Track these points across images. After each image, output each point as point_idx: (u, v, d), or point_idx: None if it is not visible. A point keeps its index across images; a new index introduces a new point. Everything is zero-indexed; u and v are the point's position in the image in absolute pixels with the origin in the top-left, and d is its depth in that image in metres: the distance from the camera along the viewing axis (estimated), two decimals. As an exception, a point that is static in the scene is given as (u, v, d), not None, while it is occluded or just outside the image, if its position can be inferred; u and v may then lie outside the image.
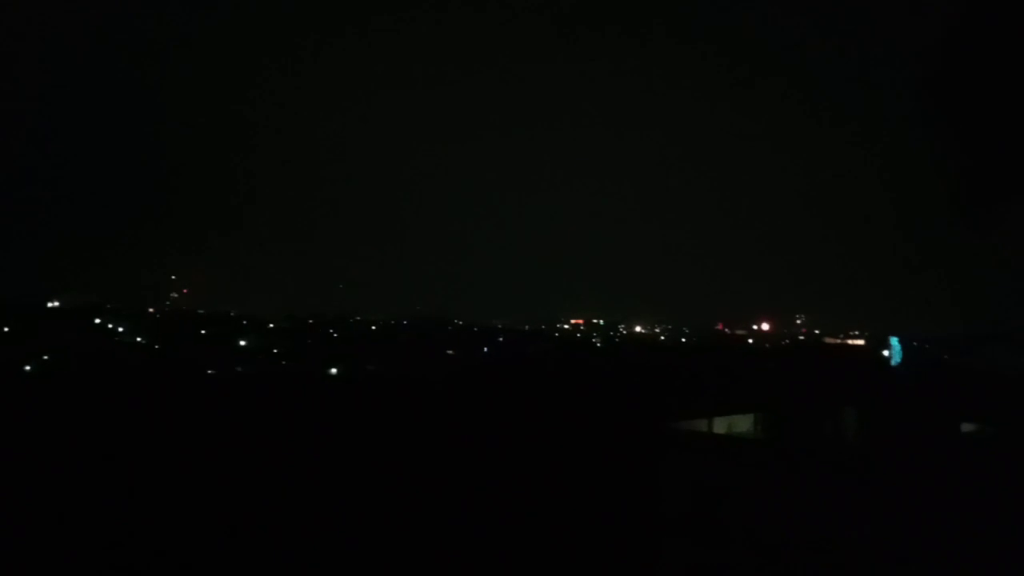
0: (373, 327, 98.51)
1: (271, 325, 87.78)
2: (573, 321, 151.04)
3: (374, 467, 10.68)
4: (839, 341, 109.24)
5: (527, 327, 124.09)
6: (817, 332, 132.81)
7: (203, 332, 69.42)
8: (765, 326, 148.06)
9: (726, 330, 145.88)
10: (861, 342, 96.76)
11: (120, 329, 66.64)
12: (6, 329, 56.92)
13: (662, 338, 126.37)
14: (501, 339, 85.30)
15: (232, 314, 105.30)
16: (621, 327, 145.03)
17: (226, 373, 39.17)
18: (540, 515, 8.69)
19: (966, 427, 16.99)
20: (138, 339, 61.92)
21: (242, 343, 62.96)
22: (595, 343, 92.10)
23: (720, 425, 16.34)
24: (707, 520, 8.93)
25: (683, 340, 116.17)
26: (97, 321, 70.17)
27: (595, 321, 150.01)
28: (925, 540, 7.65)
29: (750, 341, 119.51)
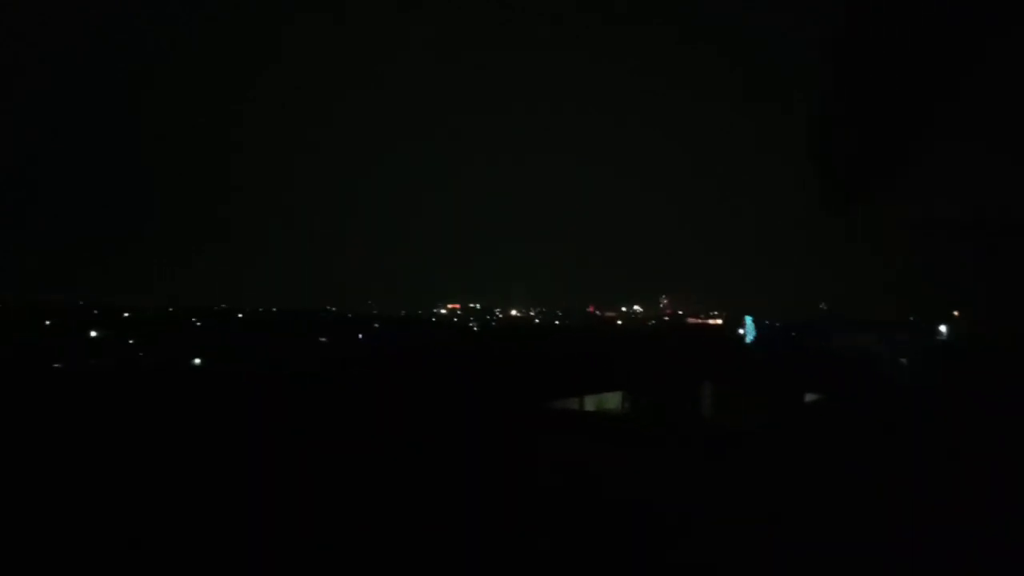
0: (240, 315, 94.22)
1: (126, 315, 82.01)
2: (449, 306, 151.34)
3: (234, 460, 10.26)
4: (700, 321, 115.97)
5: (403, 313, 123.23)
6: (680, 313, 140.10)
7: (47, 323, 63.80)
8: (636, 308, 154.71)
9: (597, 312, 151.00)
10: (720, 322, 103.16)
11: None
12: None
13: (536, 321, 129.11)
14: (376, 325, 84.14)
15: (81, 303, 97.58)
16: (497, 311, 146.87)
17: (71, 366, 36.22)
18: (412, 498, 8.67)
19: (809, 397, 18.59)
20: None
21: (93, 334, 58.44)
22: (472, 327, 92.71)
23: (591, 403, 17.00)
24: (577, 495, 9.23)
25: (556, 323, 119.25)
26: None
27: (471, 306, 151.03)
28: (779, 504, 8.27)
29: (619, 323, 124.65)
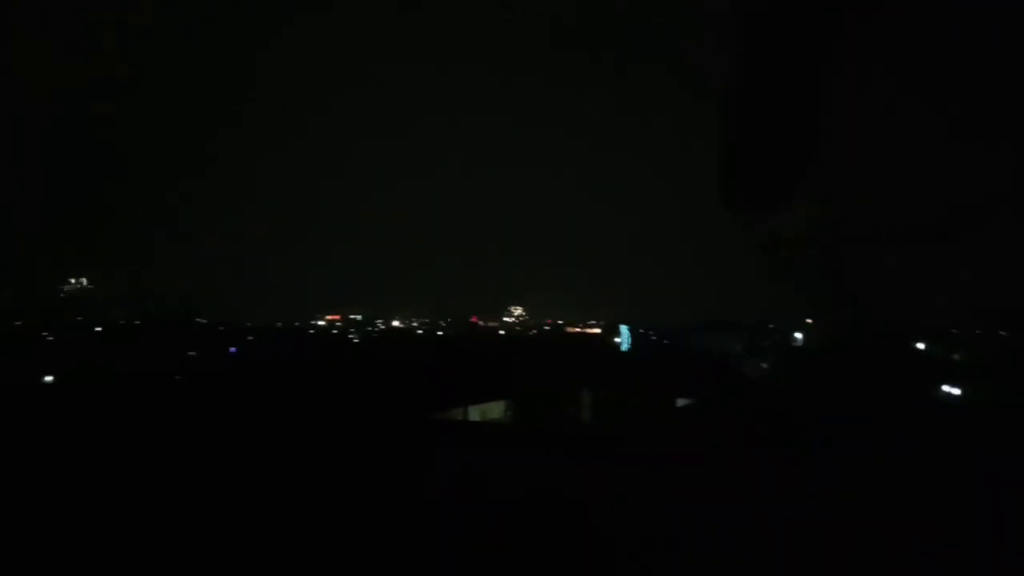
0: (98, 328, 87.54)
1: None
2: (329, 317, 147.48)
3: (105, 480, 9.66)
4: (579, 329, 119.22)
5: (278, 324, 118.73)
6: (560, 322, 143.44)
7: None
8: (517, 312, 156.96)
9: (480, 322, 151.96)
10: (598, 330, 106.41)
11: None
12: None
13: (419, 332, 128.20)
14: (251, 338, 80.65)
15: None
16: (379, 322, 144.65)
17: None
18: (302, 513, 8.48)
19: (681, 402, 19.66)
20: None
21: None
22: (352, 339, 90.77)
23: (474, 413, 17.14)
24: (465, 504, 9.31)
25: (439, 333, 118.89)
26: None
27: (352, 317, 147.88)
28: (657, 507, 8.66)
29: (501, 332, 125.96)
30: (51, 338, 70.27)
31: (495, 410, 18.37)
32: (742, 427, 14.08)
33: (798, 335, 56.90)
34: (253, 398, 21.27)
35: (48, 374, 36.86)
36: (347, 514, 8.71)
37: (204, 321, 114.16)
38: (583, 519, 8.17)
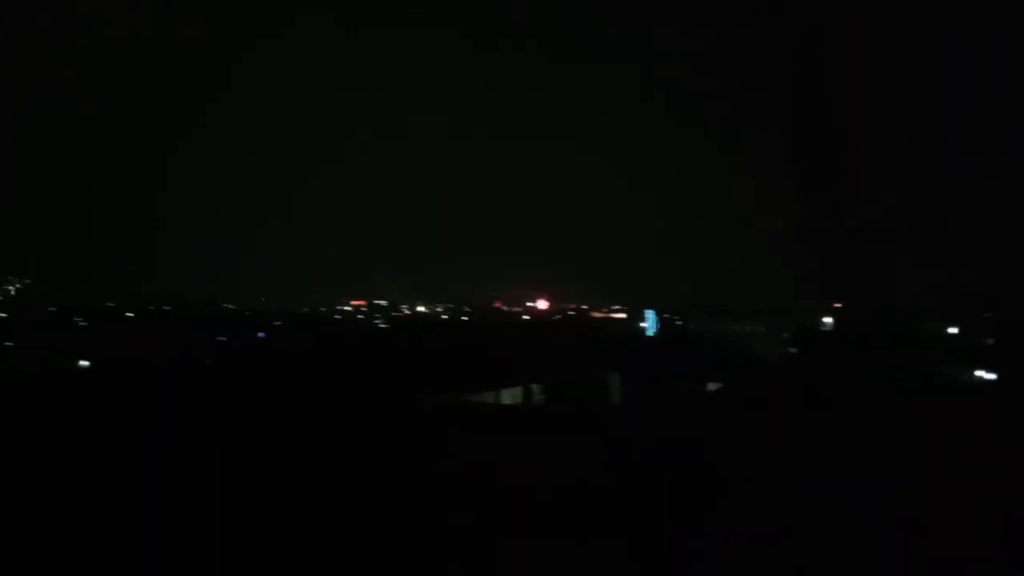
0: (129, 314, 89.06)
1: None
2: (354, 303, 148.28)
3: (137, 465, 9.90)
4: (604, 315, 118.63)
5: (304, 310, 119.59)
6: (585, 307, 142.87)
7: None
8: (541, 304, 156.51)
9: (504, 308, 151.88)
10: (623, 315, 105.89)
11: None
12: None
13: (444, 317, 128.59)
14: (277, 323, 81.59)
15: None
16: (404, 307, 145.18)
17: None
18: (336, 496, 8.63)
19: (712, 386, 19.62)
20: None
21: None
22: (378, 324, 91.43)
23: (506, 396, 17.24)
24: (488, 487, 9.41)
25: (464, 319, 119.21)
26: None
27: (377, 302, 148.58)
28: (692, 492, 8.68)
29: (525, 318, 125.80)
30: (84, 323, 71.74)
31: (523, 394, 18.46)
32: (773, 415, 14.03)
33: (827, 319, 56.24)
34: (284, 382, 21.57)
35: (85, 359, 37.74)
36: (379, 492, 8.85)
37: (231, 307, 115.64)
38: (609, 504, 8.21)
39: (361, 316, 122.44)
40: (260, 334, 70.24)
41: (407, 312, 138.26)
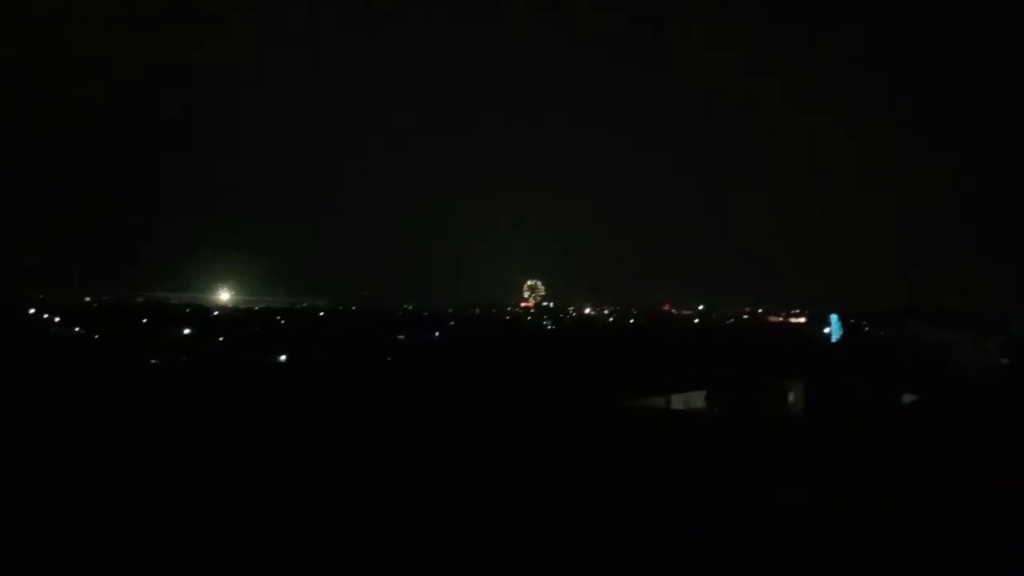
0: (321, 313, 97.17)
1: (215, 313, 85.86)
2: (523, 304, 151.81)
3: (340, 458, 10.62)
4: (782, 319, 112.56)
5: (476, 311, 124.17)
6: (760, 311, 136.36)
7: (144, 321, 67.37)
8: (712, 305, 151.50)
9: (672, 311, 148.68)
10: (803, 320, 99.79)
11: (56, 319, 64.37)
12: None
13: (611, 319, 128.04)
14: (452, 323, 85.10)
15: (174, 302, 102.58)
16: (571, 309, 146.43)
17: (168, 363, 38.21)
18: (511, 497, 8.77)
19: (908, 398, 17.84)
20: (76, 329, 59.79)
21: (186, 331, 61.46)
22: (546, 326, 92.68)
23: (676, 402, 16.80)
24: (663, 493, 9.15)
25: (631, 321, 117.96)
26: (32, 311, 67.95)
27: (545, 304, 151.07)
28: (880, 511, 7.99)
29: (696, 321, 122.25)
30: (284, 322, 78.89)
31: (697, 400, 17.86)
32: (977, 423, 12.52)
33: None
34: (462, 380, 22.36)
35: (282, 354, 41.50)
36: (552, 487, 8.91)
37: (410, 307, 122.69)
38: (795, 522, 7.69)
39: (529, 318, 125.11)
40: (435, 333, 73.80)
41: (573, 314, 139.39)
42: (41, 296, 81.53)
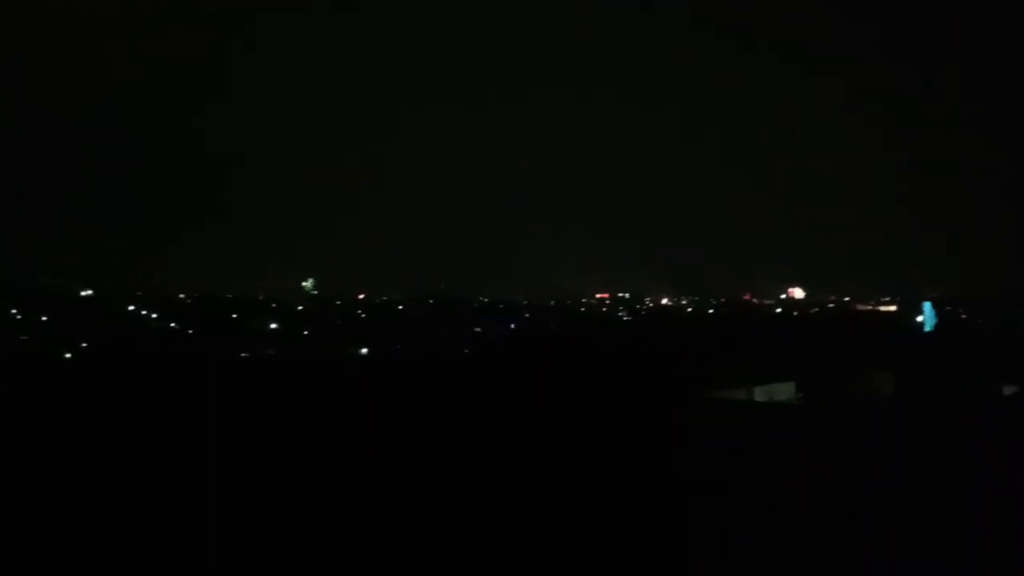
0: (400, 307, 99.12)
1: (300, 308, 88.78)
2: (599, 295, 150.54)
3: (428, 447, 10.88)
4: (871, 307, 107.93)
5: (552, 303, 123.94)
6: (847, 299, 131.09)
7: (234, 316, 70.35)
8: (798, 293, 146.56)
9: (754, 300, 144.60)
10: (893, 308, 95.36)
11: (154, 316, 67.91)
12: (44, 318, 58.36)
13: (689, 310, 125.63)
14: (527, 315, 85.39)
15: (260, 297, 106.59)
16: (648, 300, 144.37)
17: (259, 356, 39.83)
18: (588, 484, 8.79)
19: (1008, 389, 16.80)
20: (171, 325, 63.02)
21: (273, 326, 63.92)
22: (622, 317, 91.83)
23: (760, 394, 16.34)
24: (750, 483, 8.97)
25: (710, 311, 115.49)
26: (131, 308, 71.89)
27: (620, 295, 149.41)
28: (971, 507, 7.63)
29: (778, 310, 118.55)
30: (364, 315, 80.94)
31: (782, 391, 17.34)
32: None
33: None
34: (527, 368, 22.45)
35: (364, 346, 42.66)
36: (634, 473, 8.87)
37: (486, 299, 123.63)
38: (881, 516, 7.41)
39: (605, 308, 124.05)
40: (511, 324, 74.32)
41: (650, 304, 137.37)
42: (139, 293, 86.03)
